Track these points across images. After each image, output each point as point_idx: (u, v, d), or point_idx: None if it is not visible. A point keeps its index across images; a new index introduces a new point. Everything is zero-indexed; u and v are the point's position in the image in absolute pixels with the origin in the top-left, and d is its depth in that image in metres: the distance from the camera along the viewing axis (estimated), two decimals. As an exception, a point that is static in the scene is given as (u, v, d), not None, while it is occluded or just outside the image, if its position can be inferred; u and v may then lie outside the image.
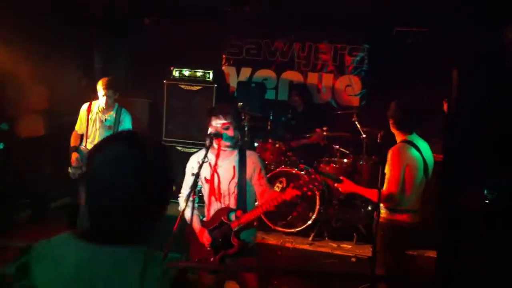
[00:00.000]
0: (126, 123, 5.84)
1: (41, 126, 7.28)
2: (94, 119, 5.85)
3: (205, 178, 3.94)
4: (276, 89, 8.55)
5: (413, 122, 4.37)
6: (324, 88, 8.34)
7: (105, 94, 5.71)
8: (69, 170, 5.83)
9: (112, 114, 5.84)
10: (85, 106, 5.93)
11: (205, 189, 3.98)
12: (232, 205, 3.94)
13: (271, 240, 6.13)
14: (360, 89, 8.20)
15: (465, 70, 6.55)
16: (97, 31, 7.69)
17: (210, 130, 3.92)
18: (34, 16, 6.70)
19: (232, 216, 3.89)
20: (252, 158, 4.02)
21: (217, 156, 3.96)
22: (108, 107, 5.82)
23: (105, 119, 5.83)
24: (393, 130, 4.46)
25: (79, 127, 5.95)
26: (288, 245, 6.00)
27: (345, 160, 6.78)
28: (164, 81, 7.24)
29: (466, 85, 6.50)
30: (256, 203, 4.07)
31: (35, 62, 6.91)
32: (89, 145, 5.84)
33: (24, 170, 6.82)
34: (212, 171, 3.95)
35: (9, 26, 6.35)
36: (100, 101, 5.80)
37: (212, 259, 3.91)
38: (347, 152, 6.86)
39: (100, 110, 5.84)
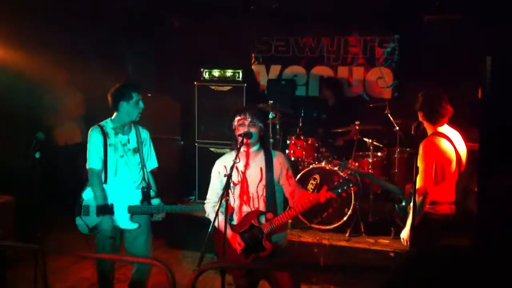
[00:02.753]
0: (149, 142, 4.73)
1: (78, 133, 7.45)
2: (113, 145, 4.49)
3: (233, 182, 3.92)
4: (306, 85, 8.52)
5: (442, 112, 4.30)
6: (355, 82, 8.27)
7: (139, 104, 4.50)
8: (78, 222, 4.51)
9: (133, 132, 4.61)
10: (96, 131, 4.46)
11: (234, 193, 3.98)
12: (262, 207, 3.94)
13: (308, 237, 6.11)
14: (391, 80, 8.10)
15: (498, 56, 6.44)
16: (126, 34, 7.78)
17: (238, 131, 3.95)
18: (64, 24, 6.85)
19: (263, 219, 3.89)
20: (279, 159, 4.03)
21: (246, 158, 3.98)
22: (130, 123, 4.59)
23: (128, 141, 4.57)
24: (424, 123, 4.40)
25: (96, 161, 4.44)
26: (325, 242, 5.96)
27: (379, 154, 6.71)
28: (195, 82, 7.29)
29: (499, 71, 6.39)
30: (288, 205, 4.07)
31: (68, 69, 7.06)
32: (112, 179, 4.48)
33: (61, 178, 6.99)
34: (241, 174, 3.97)
35: (43, 35, 6.51)
36: (128, 116, 4.48)
37: (241, 262, 3.92)
38: (381, 145, 6.78)
39: (118, 129, 4.53)
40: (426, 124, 4.40)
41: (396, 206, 4.52)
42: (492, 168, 6.03)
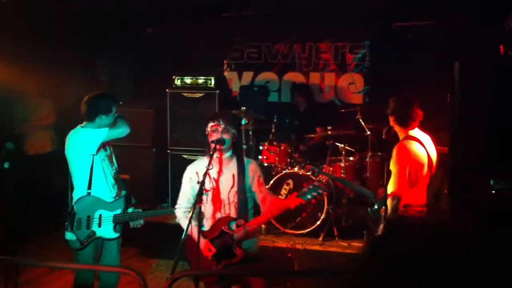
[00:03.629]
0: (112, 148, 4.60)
1: (48, 142, 7.35)
2: (97, 153, 4.34)
3: (205, 189, 3.89)
4: (279, 91, 8.56)
5: (413, 116, 4.37)
6: (327, 87, 8.35)
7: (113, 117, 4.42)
8: (70, 237, 4.31)
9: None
10: (80, 137, 4.31)
11: (206, 199, 3.95)
12: (233, 213, 3.95)
13: (282, 242, 6.12)
14: (363, 86, 8.20)
15: (466, 62, 6.60)
16: (99, 41, 7.72)
17: (211, 138, 3.94)
18: (36, 31, 6.77)
19: (233, 226, 3.89)
20: (251, 166, 4.06)
21: (219, 164, 3.97)
22: None
23: (107, 149, 4.48)
24: (395, 127, 4.47)
25: (80, 173, 4.31)
26: (299, 246, 6.00)
27: (351, 158, 6.78)
28: (167, 90, 7.27)
29: (468, 77, 6.54)
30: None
31: (39, 78, 6.96)
32: (95, 188, 4.32)
33: (34, 188, 6.87)
34: (213, 181, 3.97)
35: (12, 43, 6.42)
36: (100, 127, 4.34)
37: (214, 268, 3.91)
38: (353, 150, 6.86)
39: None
40: (397, 129, 4.47)
41: (369, 209, 4.56)
42: (463, 170, 6.17)
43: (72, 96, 6.74)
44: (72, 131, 4.42)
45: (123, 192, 4.54)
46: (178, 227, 4.14)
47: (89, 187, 4.31)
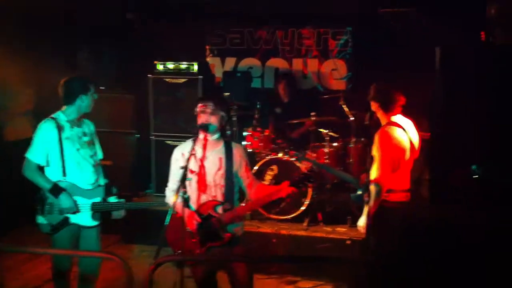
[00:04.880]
0: (95, 134, 4.57)
1: (28, 128, 7.23)
2: (70, 138, 4.29)
3: (191, 170, 3.90)
4: (262, 77, 8.52)
5: (395, 102, 4.39)
6: (309, 74, 8.33)
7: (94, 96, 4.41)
8: (41, 221, 4.29)
9: (85, 125, 4.47)
10: (50, 124, 4.25)
11: (192, 181, 3.93)
12: (219, 197, 3.95)
13: (266, 228, 6.13)
14: (345, 72, 8.20)
15: (448, 49, 6.64)
16: (79, 28, 7.59)
17: (199, 120, 3.92)
18: (15, 18, 6.64)
19: (219, 209, 3.90)
20: (238, 151, 4.06)
21: (204, 147, 3.94)
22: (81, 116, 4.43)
23: (84, 134, 4.42)
24: (377, 113, 4.48)
25: (37, 154, 4.24)
26: (283, 232, 6.01)
27: (335, 144, 6.79)
28: (149, 75, 7.18)
29: (450, 64, 6.59)
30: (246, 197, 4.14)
31: (18, 64, 6.84)
32: (71, 175, 4.28)
33: (14, 175, 6.75)
34: (199, 163, 3.94)
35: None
36: (86, 108, 4.38)
37: (198, 250, 3.90)
38: (336, 136, 6.87)
39: (73, 123, 4.34)
40: (379, 114, 4.48)
41: (352, 195, 4.59)
42: (444, 157, 6.24)
43: (51, 82, 6.63)
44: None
45: (103, 181, 4.49)
46: (160, 212, 4.12)
47: (64, 174, 4.27)
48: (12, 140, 7.20)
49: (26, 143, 6.68)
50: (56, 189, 4.21)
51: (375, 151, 4.29)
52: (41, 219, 4.29)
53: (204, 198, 3.94)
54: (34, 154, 4.25)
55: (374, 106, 4.49)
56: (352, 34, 8.13)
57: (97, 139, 4.59)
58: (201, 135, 3.93)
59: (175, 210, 3.78)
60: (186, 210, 3.85)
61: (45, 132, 4.25)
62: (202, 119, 3.90)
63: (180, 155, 4.01)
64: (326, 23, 8.17)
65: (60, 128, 4.25)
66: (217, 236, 3.87)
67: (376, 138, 4.31)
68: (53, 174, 4.29)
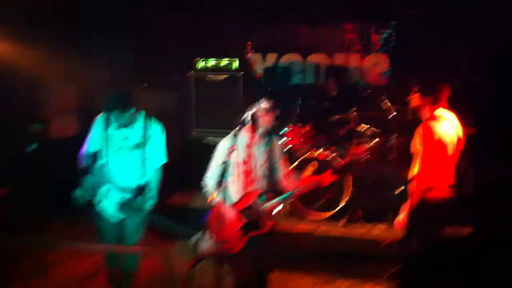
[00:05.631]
0: (156, 138, 4.57)
1: (73, 126, 7.43)
2: (111, 135, 4.51)
3: (239, 161, 4.14)
4: (303, 72, 8.46)
5: (439, 96, 4.29)
6: (351, 68, 8.23)
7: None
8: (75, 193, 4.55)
9: (138, 127, 4.53)
10: (101, 117, 4.57)
11: (237, 173, 4.15)
12: (263, 187, 4.17)
13: (304, 225, 6.12)
14: (388, 67, 8.05)
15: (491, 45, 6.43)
16: (121, 26, 7.71)
17: (253, 114, 4.16)
18: (61, 17, 6.82)
19: (263, 198, 4.13)
20: (277, 143, 4.36)
21: (252, 139, 4.19)
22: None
23: (130, 135, 4.51)
24: (421, 106, 4.37)
25: (88, 145, 4.60)
26: (322, 229, 5.99)
27: (377, 140, 6.68)
28: (191, 72, 7.26)
29: (495, 61, 6.39)
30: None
31: (64, 62, 7.03)
32: (107, 168, 4.51)
33: (57, 169, 6.96)
34: (247, 155, 4.16)
35: (36, 28, 6.49)
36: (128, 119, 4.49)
37: (240, 240, 4.06)
38: (378, 131, 6.77)
39: (122, 125, 4.48)
40: (423, 107, 4.38)
41: (395, 192, 4.53)
42: (489, 154, 6.05)
43: (96, 81, 6.81)
44: None
45: (142, 182, 4.53)
46: (200, 210, 4.19)
47: (106, 163, 4.52)
48: (56, 137, 7.42)
49: (70, 141, 6.92)
50: (87, 170, 4.50)
51: (418, 146, 4.21)
52: (76, 192, 4.52)
53: (250, 188, 4.16)
54: (88, 141, 4.59)
55: (417, 98, 4.38)
56: (395, 28, 7.97)
57: (158, 142, 4.60)
58: (249, 129, 4.16)
59: (214, 203, 4.05)
60: (229, 208, 4.11)
61: (96, 123, 4.58)
62: (266, 120, 4.16)
63: (227, 147, 4.16)
64: (369, 17, 8.04)
65: (108, 124, 4.49)
66: (260, 224, 4.07)
67: (420, 132, 4.22)
68: (100, 159, 4.55)
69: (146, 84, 7.21)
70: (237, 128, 4.18)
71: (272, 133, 4.36)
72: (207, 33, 7.87)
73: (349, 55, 8.19)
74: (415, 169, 4.20)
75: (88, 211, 4.48)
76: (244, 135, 4.20)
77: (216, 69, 7.24)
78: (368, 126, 6.61)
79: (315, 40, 8.30)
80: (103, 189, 4.51)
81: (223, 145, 4.23)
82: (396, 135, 6.55)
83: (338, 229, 6.04)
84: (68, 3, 6.78)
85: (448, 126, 4.22)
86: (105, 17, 7.27)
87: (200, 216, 4.10)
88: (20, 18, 6.38)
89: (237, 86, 7.11)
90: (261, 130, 4.21)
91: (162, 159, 4.63)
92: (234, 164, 4.14)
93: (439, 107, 4.31)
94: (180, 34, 7.99)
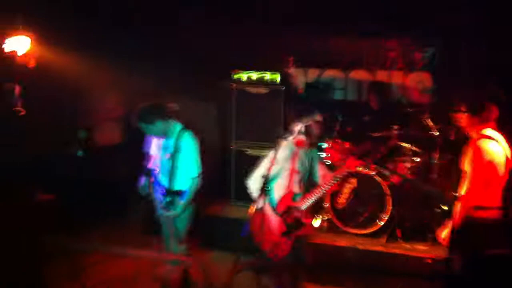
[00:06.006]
0: (186, 150, 4.92)
1: (117, 134, 7.57)
2: (159, 146, 5.08)
3: (286, 169, 4.41)
4: (344, 88, 8.44)
5: (488, 115, 4.22)
6: (394, 86, 8.16)
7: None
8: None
9: (173, 139, 4.96)
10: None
11: (284, 178, 4.41)
12: (298, 189, 4.47)
13: (342, 242, 6.07)
14: (431, 85, 7.95)
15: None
16: (163, 38, 7.83)
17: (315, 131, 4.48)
18: (105, 27, 6.99)
19: (297, 199, 4.42)
20: (316, 150, 4.73)
21: (301, 149, 4.49)
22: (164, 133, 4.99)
23: (167, 145, 5.00)
24: (469, 125, 4.30)
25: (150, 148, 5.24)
26: (360, 246, 5.92)
27: (418, 159, 6.60)
28: (233, 84, 7.33)
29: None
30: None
31: (109, 70, 7.18)
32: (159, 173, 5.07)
33: (103, 176, 7.11)
34: (294, 163, 4.43)
35: (81, 38, 6.67)
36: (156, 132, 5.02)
37: (285, 243, 4.29)
38: (419, 150, 6.67)
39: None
40: (471, 128, 4.30)
41: (438, 211, 4.46)
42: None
43: (140, 90, 6.92)
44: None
45: (173, 186, 4.94)
46: (240, 220, 4.24)
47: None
48: (101, 145, 7.56)
49: (116, 148, 7.05)
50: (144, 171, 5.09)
51: (466, 165, 4.14)
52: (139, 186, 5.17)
53: (291, 189, 4.42)
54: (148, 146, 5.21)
55: (466, 118, 4.31)
56: (439, 46, 7.88)
57: (190, 154, 4.93)
58: (300, 139, 4.44)
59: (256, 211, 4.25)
60: (273, 214, 4.39)
61: None
62: (317, 129, 4.51)
63: (278, 155, 4.31)
64: (413, 34, 7.97)
65: None
66: (300, 223, 4.32)
67: (470, 151, 4.15)
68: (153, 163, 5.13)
69: (188, 96, 7.29)
70: (288, 137, 4.42)
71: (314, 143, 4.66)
72: (250, 46, 7.92)
73: (391, 72, 8.13)
74: (463, 188, 4.13)
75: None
76: (293, 145, 4.46)
77: (257, 82, 7.28)
78: (410, 145, 6.52)
79: (357, 56, 8.27)
80: (154, 189, 5.03)
81: (274, 153, 4.35)
82: (439, 155, 6.44)
83: (377, 246, 5.95)
84: (114, 10, 6.94)
85: (497, 146, 4.14)
86: (149, 27, 7.41)
87: (239, 226, 4.13)
88: (65, 25, 6.56)
89: (278, 100, 7.12)
90: (310, 140, 4.50)
91: (194, 170, 4.95)
92: (280, 171, 4.42)
93: (487, 127, 4.23)
94: (223, 46, 8.05)
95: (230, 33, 8.10)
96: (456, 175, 4.26)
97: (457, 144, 6.49)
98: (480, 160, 4.06)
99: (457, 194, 4.19)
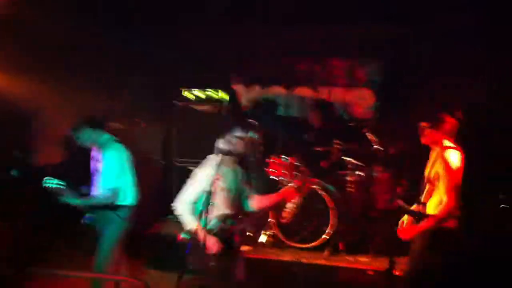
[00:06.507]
0: (107, 161, 4.99)
1: (59, 153, 7.36)
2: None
3: (222, 188, 4.26)
4: (287, 105, 8.53)
5: (450, 125, 4.42)
6: (336, 102, 8.31)
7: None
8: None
9: (102, 151, 5.10)
10: None
11: (218, 197, 4.23)
12: (233, 210, 4.36)
13: (286, 256, 6.09)
14: (373, 102, 8.14)
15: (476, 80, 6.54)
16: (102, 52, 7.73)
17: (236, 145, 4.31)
18: (56, 51, 6.86)
19: (231, 221, 4.32)
20: (240, 167, 4.52)
21: (231, 167, 4.36)
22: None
23: (93, 157, 5.20)
24: (436, 139, 4.44)
25: None
26: (304, 260, 5.96)
27: (359, 173, 6.72)
28: (176, 102, 7.30)
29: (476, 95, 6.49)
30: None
31: (59, 91, 7.02)
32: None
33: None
34: (227, 182, 4.30)
35: (32, 57, 6.52)
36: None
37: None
38: (360, 164, 6.80)
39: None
40: (437, 140, 4.45)
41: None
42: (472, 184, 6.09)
43: (80, 108, 6.79)
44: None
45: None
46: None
47: None
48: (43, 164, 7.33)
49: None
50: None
51: (443, 175, 4.25)
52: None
53: (226, 212, 4.30)
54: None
55: (431, 134, 4.45)
56: (380, 64, 8.09)
57: (107, 165, 4.96)
58: (223, 156, 4.24)
59: (194, 234, 4.12)
60: (205, 234, 4.14)
61: None
62: (241, 147, 4.33)
63: (211, 175, 4.20)
64: (354, 53, 8.16)
65: None
66: (232, 241, 4.28)
67: (446, 159, 4.27)
68: None
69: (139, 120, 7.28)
70: (219, 156, 4.24)
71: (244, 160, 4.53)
72: (194, 64, 7.92)
73: (333, 89, 8.28)
74: (435, 197, 4.30)
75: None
76: (226, 163, 4.31)
77: (202, 99, 7.29)
78: (351, 158, 6.65)
79: (300, 73, 8.39)
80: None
81: (205, 173, 4.27)
82: (380, 168, 6.59)
83: (321, 260, 6.01)
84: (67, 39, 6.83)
85: (460, 155, 4.33)
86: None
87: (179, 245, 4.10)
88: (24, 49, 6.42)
89: (221, 117, 7.14)
90: (240, 158, 4.40)
91: (110, 181, 4.93)
92: (217, 191, 4.22)
93: (448, 138, 4.42)
94: (165, 64, 8.01)
95: (175, 50, 8.09)
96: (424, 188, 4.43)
97: (397, 158, 6.69)
98: (457, 170, 4.24)
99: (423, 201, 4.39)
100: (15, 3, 6.26)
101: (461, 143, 4.45)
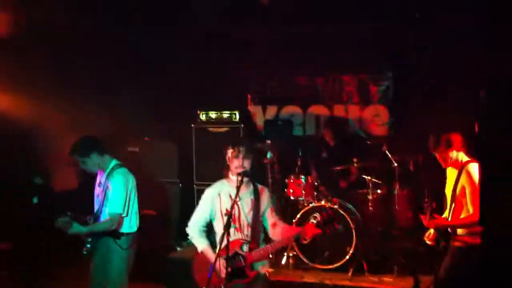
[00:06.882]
0: (113, 187, 4.68)
1: (75, 178, 7.38)
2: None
3: (226, 210, 4.09)
4: (303, 124, 8.51)
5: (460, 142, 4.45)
6: (351, 120, 8.28)
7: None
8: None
9: (104, 176, 4.80)
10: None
11: (223, 221, 4.08)
12: (248, 236, 4.14)
13: (310, 278, 6.01)
14: (388, 118, 8.11)
15: (492, 89, 6.48)
16: (120, 78, 7.76)
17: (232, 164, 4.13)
18: (60, 69, 6.89)
19: (245, 247, 4.12)
20: (265, 192, 4.32)
21: (238, 189, 4.04)
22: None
23: (99, 183, 4.87)
24: (460, 151, 4.44)
25: None
26: (327, 282, 5.87)
27: (379, 191, 6.67)
28: (192, 125, 7.33)
29: (494, 104, 6.41)
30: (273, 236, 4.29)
31: (63, 112, 7.05)
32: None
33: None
34: (233, 203, 4.07)
35: (36, 79, 6.55)
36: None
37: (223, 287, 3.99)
38: (380, 182, 6.74)
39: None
40: (461, 153, 4.44)
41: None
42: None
43: (96, 132, 6.80)
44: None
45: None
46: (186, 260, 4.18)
47: None
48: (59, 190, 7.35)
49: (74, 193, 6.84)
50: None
51: (469, 189, 4.27)
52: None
53: (235, 236, 4.12)
54: None
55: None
56: (392, 79, 8.08)
57: (113, 191, 4.68)
58: (234, 177, 4.09)
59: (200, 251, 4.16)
60: (212, 255, 4.08)
61: None
62: (236, 164, 4.10)
63: (216, 194, 4.20)
64: (367, 69, 8.16)
65: None
66: (243, 273, 4.04)
67: (471, 174, 4.28)
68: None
69: (146, 138, 7.25)
70: (226, 173, 4.24)
71: (255, 181, 4.34)
72: (209, 86, 7.95)
73: (348, 106, 8.26)
74: (470, 208, 4.28)
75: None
76: (228, 184, 4.22)
77: (217, 121, 7.30)
78: (370, 177, 6.58)
79: (314, 92, 8.38)
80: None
81: (209, 193, 4.26)
82: (399, 185, 6.53)
83: (344, 281, 5.92)
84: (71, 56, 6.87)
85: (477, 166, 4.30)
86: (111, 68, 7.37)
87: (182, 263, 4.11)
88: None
89: (237, 138, 7.12)
90: (246, 178, 4.13)
91: (115, 207, 4.68)
92: (219, 212, 4.16)
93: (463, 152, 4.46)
94: (182, 87, 8.04)
95: (190, 71, 8.13)
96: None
97: (416, 174, 6.62)
98: (477, 181, 4.20)
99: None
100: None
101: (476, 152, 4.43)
